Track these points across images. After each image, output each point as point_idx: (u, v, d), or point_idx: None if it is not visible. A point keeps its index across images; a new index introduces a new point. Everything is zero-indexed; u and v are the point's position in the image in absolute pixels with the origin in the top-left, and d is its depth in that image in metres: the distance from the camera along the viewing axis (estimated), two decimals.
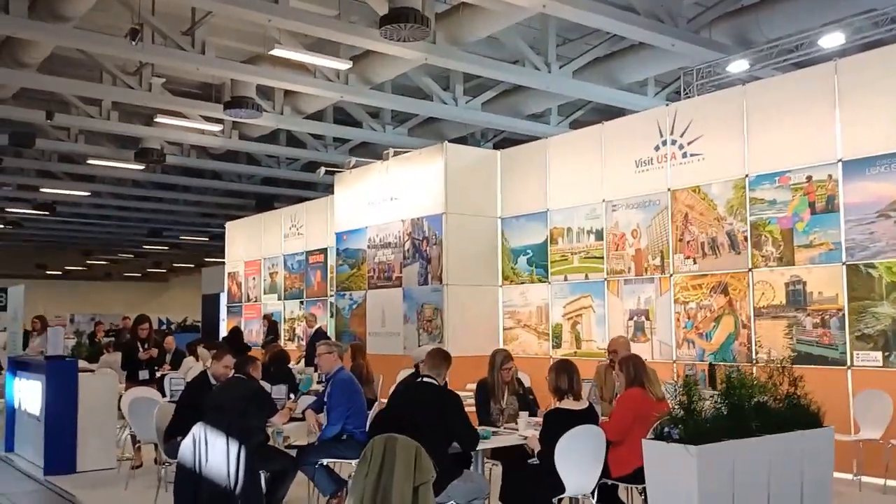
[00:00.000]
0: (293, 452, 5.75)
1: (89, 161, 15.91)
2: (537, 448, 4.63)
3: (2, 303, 14.96)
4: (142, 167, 16.05)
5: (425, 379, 4.64)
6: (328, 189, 16.56)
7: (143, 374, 7.91)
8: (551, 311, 9.45)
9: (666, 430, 4.25)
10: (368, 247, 11.25)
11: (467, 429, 4.52)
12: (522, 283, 9.89)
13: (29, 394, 8.11)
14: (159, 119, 13.05)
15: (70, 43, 10.05)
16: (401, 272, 10.61)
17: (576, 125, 13.38)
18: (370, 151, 14.38)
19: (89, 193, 19.20)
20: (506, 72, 11.19)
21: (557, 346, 9.32)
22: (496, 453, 5.14)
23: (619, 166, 8.78)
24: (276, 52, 10.06)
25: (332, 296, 12.99)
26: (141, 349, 8.01)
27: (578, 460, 4.40)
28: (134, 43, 9.09)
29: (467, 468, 4.83)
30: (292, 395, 6.87)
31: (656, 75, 12.04)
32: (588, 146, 9.23)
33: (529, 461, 5.25)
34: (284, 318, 14.66)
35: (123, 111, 13.54)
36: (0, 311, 14.19)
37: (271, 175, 17.97)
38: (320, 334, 12.20)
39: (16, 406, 8.52)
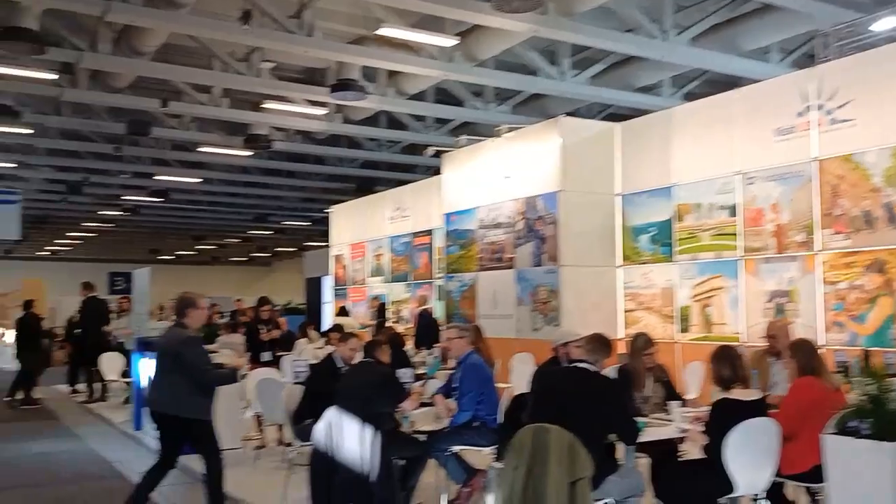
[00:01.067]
0: (420, 438, 5.58)
1: (199, 149, 16.33)
2: (700, 442, 4.22)
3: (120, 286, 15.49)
4: (249, 153, 16.35)
5: (580, 364, 4.30)
6: (429, 171, 16.40)
7: (266, 356, 7.94)
8: (678, 292, 8.92)
9: (852, 424, 3.84)
10: (479, 227, 10.97)
11: (628, 420, 4.16)
12: (644, 262, 9.37)
13: None
14: (267, 104, 13.17)
15: (184, 29, 10.20)
16: (513, 253, 10.29)
17: (690, 97, 12.64)
18: (472, 131, 14.05)
19: (201, 180, 19.78)
20: (620, 42, 10.59)
21: (685, 329, 8.78)
22: (641, 446, 4.77)
23: (755, 136, 8.10)
24: (382, 31, 9.88)
25: (438, 277, 12.82)
26: (263, 330, 8.04)
27: (752, 456, 3.97)
28: (246, 26, 9.14)
29: None
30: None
31: (780, 41, 11.18)
32: (718, 116, 8.59)
33: (679, 455, 4.87)
34: (391, 301, 14.63)
35: (233, 97, 13.76)
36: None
37: (371, 158, 17.97)
38: (426, 316, 12.09)
39: (143, 386, 8.75)
